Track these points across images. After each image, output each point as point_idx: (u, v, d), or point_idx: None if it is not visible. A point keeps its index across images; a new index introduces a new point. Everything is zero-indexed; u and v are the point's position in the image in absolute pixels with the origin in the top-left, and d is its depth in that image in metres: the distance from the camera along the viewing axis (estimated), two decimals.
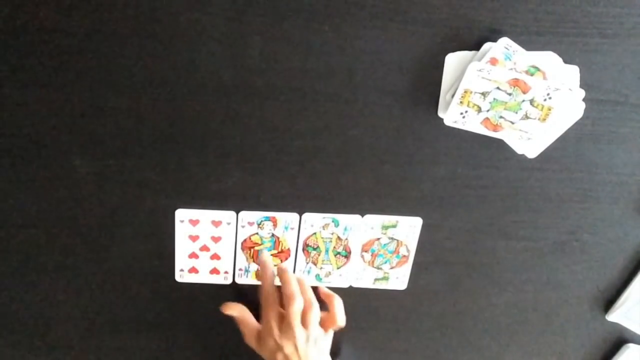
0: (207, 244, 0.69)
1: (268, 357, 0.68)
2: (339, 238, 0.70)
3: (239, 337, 0.70)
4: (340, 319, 0.70)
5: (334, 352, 0.76)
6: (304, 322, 0.67)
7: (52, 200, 0.65)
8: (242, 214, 0.68)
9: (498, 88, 0.60)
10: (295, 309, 0.66)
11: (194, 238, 0.69)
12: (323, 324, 0.70)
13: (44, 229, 0.67)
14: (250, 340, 0.70)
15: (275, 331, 0.67)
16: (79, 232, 0.67)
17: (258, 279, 0.71)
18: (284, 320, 0.67)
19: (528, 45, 0.60)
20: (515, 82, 0.59)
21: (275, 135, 0.63)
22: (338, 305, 0.71)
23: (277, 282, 0.69)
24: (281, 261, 0.71)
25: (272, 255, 0.70)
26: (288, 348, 0.66)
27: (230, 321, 0.71)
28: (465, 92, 0.60)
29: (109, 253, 0.69)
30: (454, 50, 0.60)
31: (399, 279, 0.73)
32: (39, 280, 0.70)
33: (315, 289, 0.71)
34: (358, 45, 0.60)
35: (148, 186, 0.65)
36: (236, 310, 0.71)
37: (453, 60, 0.60)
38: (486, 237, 0.71)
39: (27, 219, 0.66)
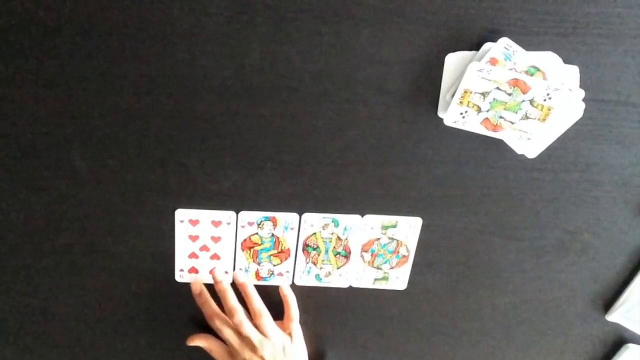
0: (207, 244, 0.69)
1: None
2: (338, 238, 0.70)
3: None
4: (295, 316, 0.71)
5: (320, 354, 0.76)
6: (261, 331, 0.68)
7: (52, 200, 0.65)
8: (242, 214, 0.68)
9: (498, 88, 0.60)
10: (237, 320, 0.67)
11: (194, 238, 0.69)
12: (283, 327, 0.71)
13: (44, 229, 0.67)
14: None
15: (239, 348, 0.68)
16: (78, 232, 0.67)
17: (200, 305, 0.71)
18: (238, 336, 0.68)
19: (528, 45, 0.60)
20: (515, 82, 0.59)
21: (275, 135, 0.63)
22: (293, 306, 0.71)
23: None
24: (281, 261, 0.71)
25: (272, 255, 0.70)
26: None
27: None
28: (465, 92, 0.60)
29: (108, 253, 0.69)
30: (454, 50, 0.60)
31: (398, 279, 0.73)
32: (39, 280, 0.70)
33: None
34: (358, 45, 0.60)
35: (148, 186, 0.65)
36: (201, 340, 0.71)
37: (453, 60, 0.60)
38: (486, 237, 0.71)
39: (27, 219, 0.66)
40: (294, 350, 0.70)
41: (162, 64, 0.59)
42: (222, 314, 0.69)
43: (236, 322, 0.67)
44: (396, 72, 0.61)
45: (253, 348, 0.67)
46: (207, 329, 0.72)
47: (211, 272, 0.70)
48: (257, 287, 0.71)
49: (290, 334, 0.71)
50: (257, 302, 0.69)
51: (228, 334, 0.68)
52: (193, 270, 0.70)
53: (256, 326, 0.68)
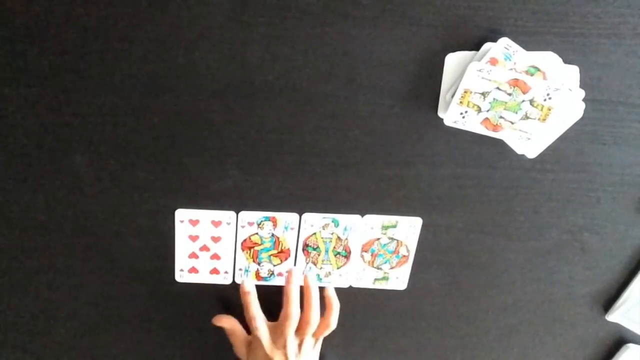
0: (207, 244, 0.69)
1: None
2: (338, 238, 0.70)
3: None
4: (332, 326, 0.71)
5: (320, 354, 0.76)
6: (300, 331, 0.69)
7: (52, 200, 0.65)
8: (242, 214, 0.68)
9: (498, 88, 0.60)
10: (289, 325, 0.68)
11: (194, 238, 0.69)
12: (316, 331, 0.71)
13: (44, 229, 0.67)
14: (241, 352, 0.71)
15: (266, 343, 0.68)
16: (79, 232, 0.67)
17: (245, 305, 0.71)
18: (275, 331, 0.68)
19: (528, 45, 0.60)
20: (515, 82, 0.59)
21: (275, 135, 0.63)
22: (334, 313, 0.71)
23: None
24: (281, 261, 0.71)
25: (272, 255, 0.70)
26: (277, 357, 0.67)
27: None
28: (465, 92, 0.60)
29: (109, 253, 0.69)
30: (454, 50, 0.60)
31: (399, 279, 0.73)
32: (39, 280, 0.70)
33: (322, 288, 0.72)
34: (358, 45, 0.60)
35: (148, 186, 0.65)
36: (226, 322, 0.71)
37: (453, 60, 0.60)
38: (486, 237, 0.71)
39: (27, 219, 0.66)
40: (313, 354, 0.71)
41: (162, 64, 0.59)
42: (264, 316, 0.70)
43: (288, 325, 0.68)
44: (396, 72, 0.61)
45: (282, 346, 0.68)
46: (207, 330, 0.72)
47: (242, 283, 0.70)
48: (257, 287, 0.71)
49: (316, 339, 0.71)
50: (315, 314, 0.69)
51: (263, 333, 0.68)
52: (193, 270, 0.70)
53: (299, 328, 0.69)
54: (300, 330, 0.69)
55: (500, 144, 0.65)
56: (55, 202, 0.65)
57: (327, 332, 0.71)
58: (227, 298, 0.72)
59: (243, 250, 0.70)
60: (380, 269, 0.72)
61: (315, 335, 0.71)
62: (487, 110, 0.61)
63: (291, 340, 0.68)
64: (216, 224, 0.68)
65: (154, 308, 0.73)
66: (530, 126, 0.62)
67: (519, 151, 0.65)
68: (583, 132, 0.65)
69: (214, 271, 0.71)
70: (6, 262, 0.69)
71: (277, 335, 0.68)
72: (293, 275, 0.70)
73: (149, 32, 0.58)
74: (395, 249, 0.71)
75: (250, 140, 0.64)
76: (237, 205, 0.67)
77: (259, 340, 0.68)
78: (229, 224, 0.68)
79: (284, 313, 0.69)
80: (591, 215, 0.70)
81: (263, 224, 0.68)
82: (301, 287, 0.70)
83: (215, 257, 0.70)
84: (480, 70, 0.59)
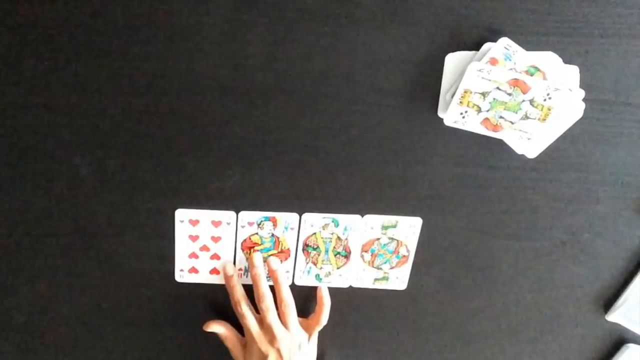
0: (207, 244, 0.69)
1: None
2: (338, 238, 0.70)
3: None
4: (323, 322, 0.71)
5: (320, 354, 0.76)
6: (283, 323, 0.68)
7: (52, 200, 0.65)
8: (242, 214, 0.68)
9: (498, 88, 0.60)
10: (265, 306, 0.67)
11: (194, 238, 0.69)
12: (307, 325, 0.71)
13: (44, 229, 0.67)
14: (237, 355, 0.71)
15: (257, 337, 0.68)
16: (78, 232, 0.67)
17: (229, 289, 0.70)
18: (262, 324, 0.68)
19: (528, 45, 0.60)
20: (515, 82, 0.59)
21: (275, 135, 0.63)
22: (325, 311, 0.71)
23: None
24: (281, 261, 0.71)
25: (272, 255, 0.70)
26: (272, 355, 0.67)
27: (229, 322, 0.72)
28: (465, 92, 0.60)
29: (108, 253, 0.69)
30: (454, 50, 0.60)
31: (398, 279, 0.73)
32: (39, 280, 0.70)
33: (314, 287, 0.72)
34: (358, 45, 0.60)
35: (148, 186, 0.65)
36: (217, 326, 0.71)
37: (453, 60, 0.61)
38: (486, 237, 0.71)
39: (27, 219, 0.66)
40: (309, 351, 0.71)
41: (162, 64, 0.59)
42: (249, 300, 0.69)
43: (264, 307, 0.67)
44: (396, 72, 0.61)
45: (272, 339, 0.67)
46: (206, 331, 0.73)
47: (224, 267, 0.70)
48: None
49: (310, 335, 0.71)
50: (286, 292, 0.69)
51: (250, 320, 0.68)
52: (193, 270, 0.70)
53: (280, 315, 0.69)
54: (281, 316, 0.69)
55: (500, 144, 0.65)
56: (55, 202, 0.65)
57: (318, 328, 0.71)
58: (227, 298, 0.72)
59: (243, 250, 0.70)
60: (380, 269, 0.72)
61: (307, 330, 0.71)
62: (487, 110, 0.61)
63: (280, 331, 0.67)
64: (216, 224, 0.68)
65: (154, 308, 0.73)
66: (530, 126, 0.62)
67: (519, 151, 0.65)
68: (583, 132, 0.65)
69: (214, 271, 0.71)
70: (6, 262, 0.69)
71: (265, 328, 0.68)
72: (254, 259, 0.69)
73: (149, 32, 0.58)
74: (395, 249, 0.71)
75: (250, 140, 0.64)
76: (237, 205, 0.67)
77: (250, 334, 0.68)
78: (229, 224, 0.68)
79: (256, 296, 0.68)
80: (591, 215, 0.70)
81: (263, 224, 0.68)
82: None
83: (215, 257, 0.70)
84: (480, 70, 0.59)
